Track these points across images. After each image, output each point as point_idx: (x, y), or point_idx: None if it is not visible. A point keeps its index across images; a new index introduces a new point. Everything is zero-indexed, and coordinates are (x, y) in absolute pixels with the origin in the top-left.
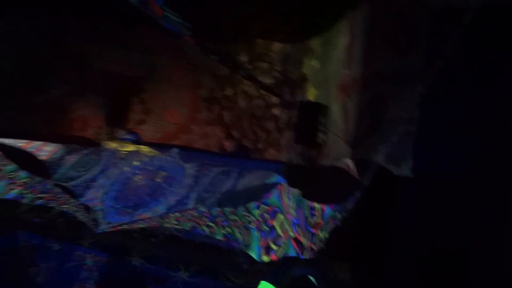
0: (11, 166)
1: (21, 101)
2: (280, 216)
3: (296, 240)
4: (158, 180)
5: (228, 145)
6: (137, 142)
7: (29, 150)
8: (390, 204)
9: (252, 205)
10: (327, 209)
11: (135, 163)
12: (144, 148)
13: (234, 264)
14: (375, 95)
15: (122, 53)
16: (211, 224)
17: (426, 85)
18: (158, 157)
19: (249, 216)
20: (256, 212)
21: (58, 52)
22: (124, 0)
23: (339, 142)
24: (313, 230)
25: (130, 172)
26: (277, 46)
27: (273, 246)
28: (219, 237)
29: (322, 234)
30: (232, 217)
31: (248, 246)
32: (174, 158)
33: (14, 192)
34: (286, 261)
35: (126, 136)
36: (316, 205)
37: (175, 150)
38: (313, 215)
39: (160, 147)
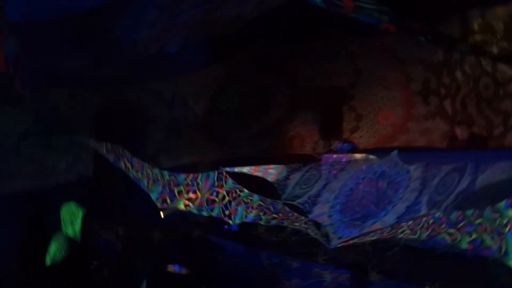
0: (245, 192)
1: (246, 130)
2: None
3: None
4: (382, 187)
5: (456, 138)
6: (354, 150)
7: (258, 174)
8: None
9: (502, 204)
10: None
11: (356, 172)
12: (361, 156)
13: (489, 276)
14: None
15: (326, 65)
16: (452, 231)
17: None
18: (378, 163)
19: (501, 218)
20: (511, 213)
21: (273, 76)
22: (312, 7)
23: None
24: None
25: (352, 183)
26: (497, 11)
27: None
28: (464, 246)
29: None
30: (478, 221)
31: (505, 254)
32: (395, 161)
33: (251, 215)
34: None
35: (343, 147)
36: None
37: (395, 152)
38: None
39: (379, 151)
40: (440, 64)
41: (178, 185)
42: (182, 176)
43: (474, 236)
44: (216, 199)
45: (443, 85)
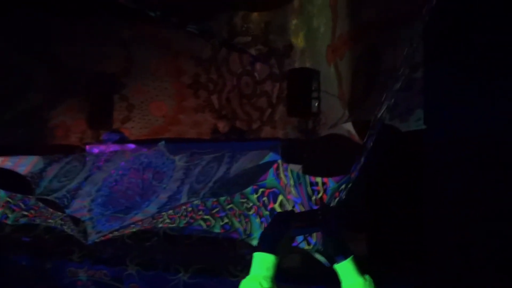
0: None
1: None
2: (280, 198)
3: None
4: (148, 178)
5: (220, 130)
6: (123, 141)
7: (6, 166)
8: (406, 166)
9: (248, 190)
10: (330, 183)
11: (121, 163)
12: (129, 146)
13: (237, 257)
14: (367, 48)
15: (95, 48)
16: (207, 217)
17: (427, 25)
18: (145, 154)
19: (247, 203)
20: (254, 197)
21: (32, 57)
22: None
23: (336, 107)
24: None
25: (117, 174)
26: (256, 16)
27: None
28: (217, 230)
29: None
30: (229, 206)
31: (249, 235)
32: (162, 152)
33: None
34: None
35: (110, 137)
36: (318, 179)
37: (162, 143)
38: (315, 191)
39: (148, 142)
40: (209, 61)
41: None
42: None
43: (225, 220)
44: None
45: (211, 80)
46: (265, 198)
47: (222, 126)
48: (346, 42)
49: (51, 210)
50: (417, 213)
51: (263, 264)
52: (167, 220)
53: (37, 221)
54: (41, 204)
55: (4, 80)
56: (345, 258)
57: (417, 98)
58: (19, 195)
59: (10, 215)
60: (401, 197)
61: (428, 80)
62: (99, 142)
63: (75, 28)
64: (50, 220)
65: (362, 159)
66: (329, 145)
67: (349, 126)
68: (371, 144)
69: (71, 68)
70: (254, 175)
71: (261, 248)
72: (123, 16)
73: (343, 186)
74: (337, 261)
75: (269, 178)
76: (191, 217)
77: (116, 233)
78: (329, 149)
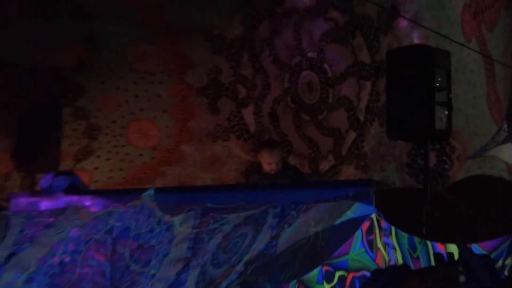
0: None
1: None
2: None
3: None
4: (121, 258)
5: (261, 172)
6: (76, 191)
7: None
8: None
9: (313, 276)
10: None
11: (72, 231)
12: (88, 200)
13: None
14: None
15: (35, 28)
16: None
17: None
18: (117, 213)
19: None
20: None
21: None
22: None
23: (483, 120)
24: None
25: (65, 251)
26: None
27: None
28: None
29: None
30: None
31: None
32: (148, 209)
33: None
34: None
35: (54, 182)
36: (452, 248)
37: (150, 192)
38: None
39: (126, 194)
40: (238, 43)
41: None
42: None
43: None
44: None
45: (242, 79)
46: None
47: (267, 162)
48: None
49: None
50: None
51: None
52: None
53: None
54: None
55: None
56: None
57: None
58: None
59: None
60: None
61: None
62: (34, 192)
63: None
64: None
65: None
66: (473, 192)
67: (509, 156)
68: None
69: None
70: (324, 247)
71: None
72: None
73: (501, 261)
74: None
75: (354, 251)
76: None
77: None
78: (472, 199)
